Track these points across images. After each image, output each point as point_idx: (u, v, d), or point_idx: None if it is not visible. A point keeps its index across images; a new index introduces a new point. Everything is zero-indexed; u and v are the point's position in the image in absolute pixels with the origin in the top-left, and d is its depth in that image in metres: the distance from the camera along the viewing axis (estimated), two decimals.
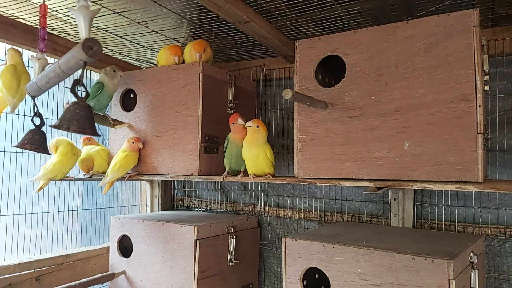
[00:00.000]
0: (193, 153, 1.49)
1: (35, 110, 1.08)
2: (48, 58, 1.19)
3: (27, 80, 1.29)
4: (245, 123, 1.37)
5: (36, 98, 1.04)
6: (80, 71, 0.71)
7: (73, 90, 0.72)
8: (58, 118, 0.73)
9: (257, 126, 1.34)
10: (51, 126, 0.74)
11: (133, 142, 1.57)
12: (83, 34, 0.73)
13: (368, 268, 1.10)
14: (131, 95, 1.71)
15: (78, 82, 0.72)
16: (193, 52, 1.53)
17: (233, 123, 1.40)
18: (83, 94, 0.78)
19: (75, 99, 0.74)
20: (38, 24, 1.49)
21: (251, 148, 1.35)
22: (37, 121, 1.10)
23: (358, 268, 1.12)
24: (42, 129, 1.11)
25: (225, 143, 1.43)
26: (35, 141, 1.06)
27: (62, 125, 0.70)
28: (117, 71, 1.54)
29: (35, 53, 1.14)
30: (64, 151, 1.52)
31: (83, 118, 0.71)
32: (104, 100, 1.53)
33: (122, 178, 1.58)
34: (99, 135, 1.08)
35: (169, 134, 1.55)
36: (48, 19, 1.23)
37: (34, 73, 1.09)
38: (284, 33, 1.55)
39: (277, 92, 1.85)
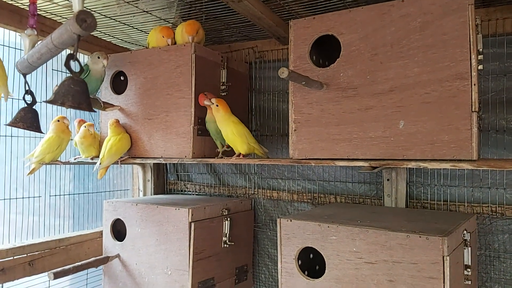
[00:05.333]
0: (186, 135, 1.47)
1: (27, 88, 1.05)
2: None
3: None
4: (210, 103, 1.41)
5: (26, 76, 1.01)
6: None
7: (67, 64, 0.69)
8: (53, 92, 0.71)
9: (217, 105, 1.39)
10: (45, 101, 0.71)
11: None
12: (76, 6, 0.70)
13: (363, 247, 1.11)
14: (122, 78, 1.68)
15: (72, 57, 0.69)
16: (185, 34, 1.50)
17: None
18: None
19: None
20: (25, 4, 1.46)
21: (220, 126, 1.41)
22: (29, 99, 1.07)
23: (353, 247, 1.13)
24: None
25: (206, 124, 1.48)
26: (27, 120, 1.02)
27: (57, 100, 0.68)
28: (101, 58, 1.47)
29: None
30: (49, 133, 1.50)
31: (78, 93, 0.69)
32: (93, 83, 1.49)
33: (116, 162, 1.56)
34: (95, 111, 1.05)
35: (161, 117, 1.53)
36: None
37: (25, 49, 1.06)
38: (277, 14, 1.53)
39: (270, 74, 1.84)
